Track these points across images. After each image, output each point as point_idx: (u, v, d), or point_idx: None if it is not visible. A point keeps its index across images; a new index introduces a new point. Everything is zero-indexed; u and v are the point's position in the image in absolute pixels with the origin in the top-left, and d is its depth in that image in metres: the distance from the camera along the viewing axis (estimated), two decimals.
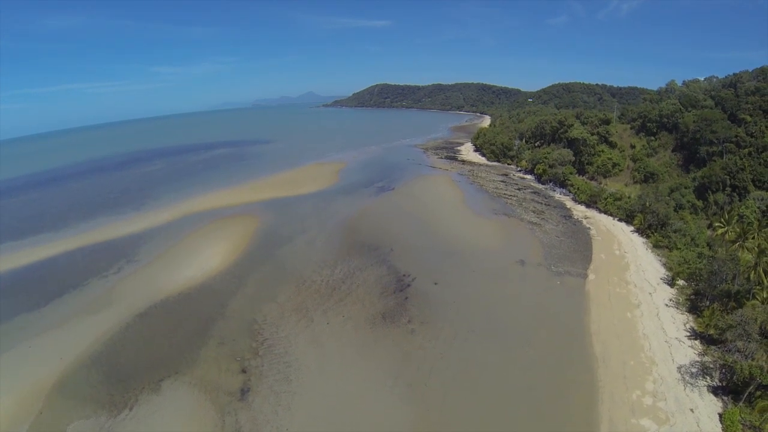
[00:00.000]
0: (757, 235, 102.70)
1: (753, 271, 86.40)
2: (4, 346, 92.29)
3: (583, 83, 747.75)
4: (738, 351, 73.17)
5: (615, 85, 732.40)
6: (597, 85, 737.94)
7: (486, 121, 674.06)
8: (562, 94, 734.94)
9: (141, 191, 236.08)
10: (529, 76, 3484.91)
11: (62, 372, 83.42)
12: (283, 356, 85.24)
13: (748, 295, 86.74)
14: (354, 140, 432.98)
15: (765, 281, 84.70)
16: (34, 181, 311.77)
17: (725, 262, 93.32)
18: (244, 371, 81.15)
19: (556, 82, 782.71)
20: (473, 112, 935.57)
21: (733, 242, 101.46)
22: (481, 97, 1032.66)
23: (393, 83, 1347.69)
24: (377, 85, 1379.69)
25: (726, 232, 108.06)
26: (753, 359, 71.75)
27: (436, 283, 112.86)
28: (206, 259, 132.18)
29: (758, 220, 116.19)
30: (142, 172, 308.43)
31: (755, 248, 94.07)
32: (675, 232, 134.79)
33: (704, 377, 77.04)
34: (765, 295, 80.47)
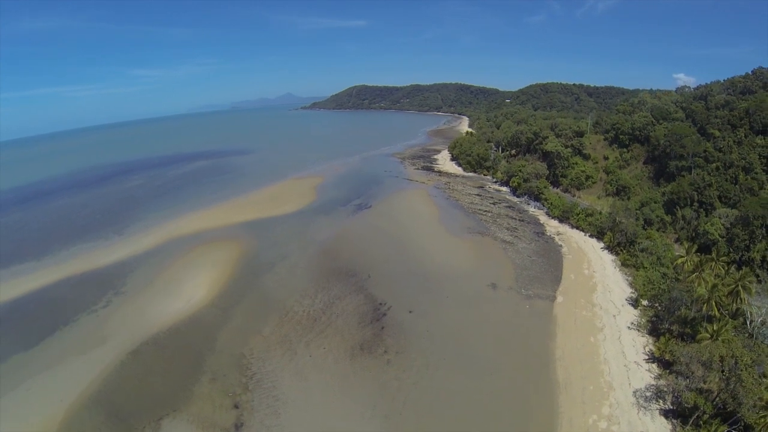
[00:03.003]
0: (715, 264, 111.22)
1: (706, 305, 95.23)
2: (3, 389, 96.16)
3: (561, 83, 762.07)
4: (689, 376, 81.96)
5: (592, 85, 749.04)
6: (574, 84, 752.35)
7: (464, 123, 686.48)
8: (539, 94, 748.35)
9: (123, 212, 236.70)
10: (507, 75, 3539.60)
11: (65, 414, 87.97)
12: (271, 390, 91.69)
13: (703, 322, 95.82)
14: (331, 149, 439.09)
15: (716, 313, 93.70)
16: (11, 198, 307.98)
17: (682, 291, 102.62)
18: (236, 406, 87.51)
19: (534, 83, 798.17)
20: (451, 113, 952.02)
21: (692, 272, 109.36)
22: (459, 97, 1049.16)
23: (371, 84, 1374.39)
24: (355, 86, 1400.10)
25: (685, 262, 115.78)
26: (705, 382, 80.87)
27: (410, 311, 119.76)
28: (192, 289, 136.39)
29: (716, 248, 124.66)
30: (123, 189, 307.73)
31: (711, 279, 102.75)
32: (642, 251, 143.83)
33: (657, 401, 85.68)
34: (714, 329, 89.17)
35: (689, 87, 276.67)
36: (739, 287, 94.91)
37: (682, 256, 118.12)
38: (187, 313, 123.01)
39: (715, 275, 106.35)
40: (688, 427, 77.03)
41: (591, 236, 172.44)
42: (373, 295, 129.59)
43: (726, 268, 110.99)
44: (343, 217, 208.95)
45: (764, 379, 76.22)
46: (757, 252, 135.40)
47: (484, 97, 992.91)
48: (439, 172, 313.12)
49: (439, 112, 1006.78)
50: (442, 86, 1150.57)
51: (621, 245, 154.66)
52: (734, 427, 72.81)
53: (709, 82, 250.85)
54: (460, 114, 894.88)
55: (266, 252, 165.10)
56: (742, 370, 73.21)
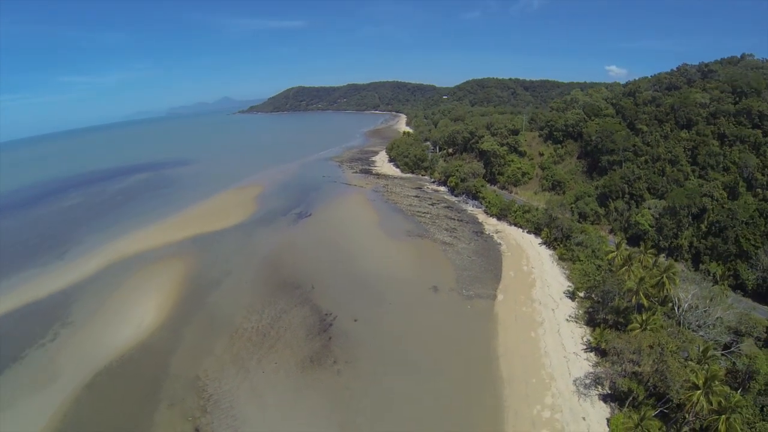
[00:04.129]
0: (643, 256, 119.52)
1: (634, 297, 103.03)
2: None
3: (497, 78, 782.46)
4: (622, 364, 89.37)
5: (528, 79, 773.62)
6: (510, 79, 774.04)
7: (402, 121, 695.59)
8: (476, 90, 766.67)
9: (62, 234, 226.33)
10: (443, 71, 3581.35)
11: None
12: (229, 411, 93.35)
13: (634, 311, 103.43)
14: (270, 156, 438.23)
15: (645, 303, 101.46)
16: None
17: (613, 285, 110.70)
18: (197, 430, 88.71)
19: (471, 78, 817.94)
20: (389, 111, 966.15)
21: (621, 266, 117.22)
22: (396, 95, 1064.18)
23: (308, 86, 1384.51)
24: (292, 88, 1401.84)
25: (615, 256, 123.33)
26: (639, 365, 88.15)
27: (355, 320, 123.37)
28: (141, 314, 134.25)
29: (644, 242, 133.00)
30: (60, 208, 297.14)
31: (640, 271, 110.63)
32: (577, 245, 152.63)
33: (596, 387, 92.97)
34: (643, 318, 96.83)
35: (620, 83, 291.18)
36: (664, 278, 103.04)
37: (612, 251, 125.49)
38: (139, 338, 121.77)
39: (644, 267, 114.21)
40: (624, 409, 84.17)
41: (529, 232, 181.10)
42: (318, 306, 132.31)
43: (654, 259, 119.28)
44: (284, 227, 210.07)
45: (689, 362, 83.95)
46: (685, 239, 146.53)
47: (421, 94, 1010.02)
48: (378, 175, 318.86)
49: (376, 110, 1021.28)
50: (378, 85, 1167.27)
51: (558, 240, 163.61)
52: (666, 406, 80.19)
53: (637, 78, 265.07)
54: (397, 112, 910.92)
55: (211, 269, 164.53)
56: (667, 357, 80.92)
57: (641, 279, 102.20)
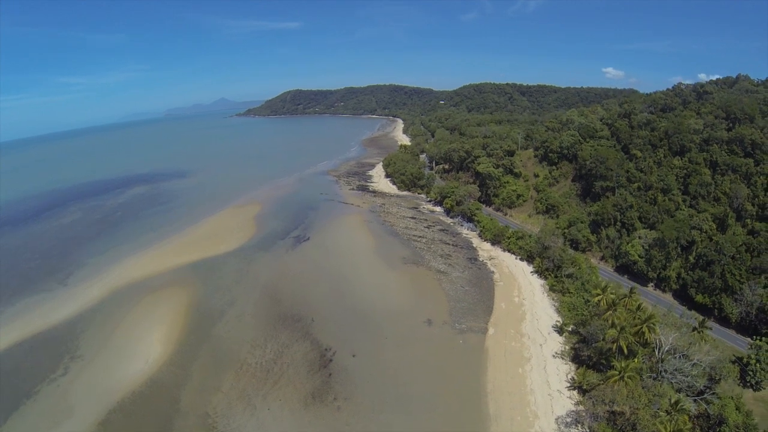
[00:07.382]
0: (629, 300, 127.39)
1: (614, 344, 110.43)
2: None
3: (494, 83, 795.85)
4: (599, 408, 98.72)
5: (525, 84, 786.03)
6: (507, 84, 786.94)
7: (398, 127, 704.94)
8: (473, 95, 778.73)
9: (63, 255, 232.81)
10: (441, 74, 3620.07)
11: None
12: None
13: (616, 353, 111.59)
14: (268, 168, 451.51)
15: (625, 350, 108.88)
16: None
17: (597, 329, 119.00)
18: None
19: (468, 83, 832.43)
20: (385, 115, 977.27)
21: (606, 310, 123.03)
22: (394, 98, 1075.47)
23: (305, 89, 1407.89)
24: (290, 91, 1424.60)
25: (601, 300, 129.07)
26: (617, 406, 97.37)
27: (354, 356, 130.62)
28: (148, 347, 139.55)
29: (630, 290, 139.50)
30: (59, 225, 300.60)
31: (623, 316, 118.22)
32: (567, 276, 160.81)
33: (576, 426, 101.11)
34: (622, 366, 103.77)
35: (616, 91, 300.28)
36: (644, 328, 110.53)
37: (599, 294, 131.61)
38: (148, 374, 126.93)
39: (628, 310, 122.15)
40: None
41: (521, 259, 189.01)
42: (318, 341, 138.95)
43: (638, 304, 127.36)
44: (284, 252, 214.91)
45: (660, 413, 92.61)
46: (673, 270, 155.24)
47: (418, 98, 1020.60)
48: (374, 192, 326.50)
49: (373, 114, 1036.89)
50: (375, 88, 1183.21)
51: (549, 270, 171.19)
52: None
53: (634, 80, 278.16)
54: (394, 116, 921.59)
55: (213, 299, 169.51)
56: (639, 409, 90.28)
57: (622, 328, 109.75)
